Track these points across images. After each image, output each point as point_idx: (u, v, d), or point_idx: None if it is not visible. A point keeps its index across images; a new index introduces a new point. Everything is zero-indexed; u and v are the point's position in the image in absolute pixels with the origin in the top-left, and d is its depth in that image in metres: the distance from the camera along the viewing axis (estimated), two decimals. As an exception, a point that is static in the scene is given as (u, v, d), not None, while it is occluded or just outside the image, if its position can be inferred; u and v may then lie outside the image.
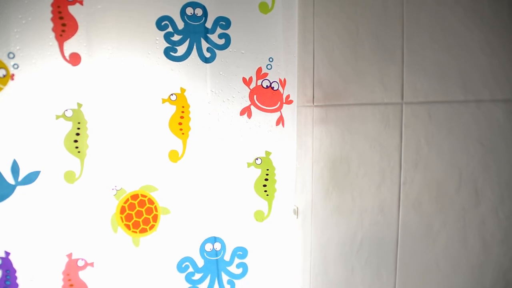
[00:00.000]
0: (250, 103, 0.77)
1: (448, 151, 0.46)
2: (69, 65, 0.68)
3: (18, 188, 0.67)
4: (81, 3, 0.67)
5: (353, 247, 0.62)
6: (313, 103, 0.74)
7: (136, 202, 0.73)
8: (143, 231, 0.74)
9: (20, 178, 0.67)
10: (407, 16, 0.51)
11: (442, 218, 0.46)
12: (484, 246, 0.42)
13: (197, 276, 0.77)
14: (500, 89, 0.40)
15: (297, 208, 0.81)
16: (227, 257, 0.79)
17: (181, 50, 0.73)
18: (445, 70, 0.46)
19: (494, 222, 0.41)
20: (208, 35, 0.73)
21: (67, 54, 0.68)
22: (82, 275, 0.71)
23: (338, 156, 0.65)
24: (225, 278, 0.79)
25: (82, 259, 0.71)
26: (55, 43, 0.67)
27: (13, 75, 0.65)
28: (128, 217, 0.73)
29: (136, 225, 0.73)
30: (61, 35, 0.67)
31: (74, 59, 0.68)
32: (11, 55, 0.65)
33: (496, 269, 0.41)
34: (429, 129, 0.48)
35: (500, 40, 0.40)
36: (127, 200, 0.73)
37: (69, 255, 0.70)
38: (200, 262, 0.77)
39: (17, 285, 0.67)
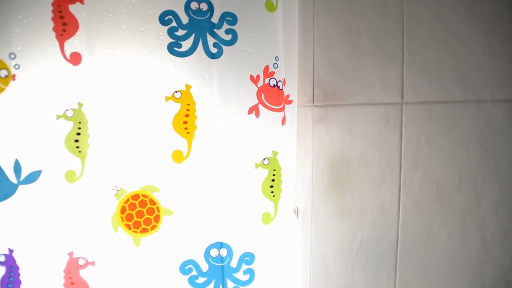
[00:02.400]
0: (258, 101, 0.75)
1: (448, 151, 0.46)
2: (70, 65, 0.68)
3: (20, 187, 0.67)
4: (82, 2, 0.67)
5: (353, 247, 0.62)
6: (313, 103, 0.74)
7: (137, 202, 0.73)
8: (144, 231, 0.73)
9: (22, 178, 0.67)
10: (407, 16, 0.51)
11: (442, 218, 0.46)
12: (484, 246, 0.42)
13: (201, 280, 0.76)
14: (500, 89, 0.40)
15: (297, 208, 0.81)
16: (233, 264, 0.76)
17: (186, 45, 0.70)
18: (445, 70, 0.46)
19: (494, 222, 0.41)
20: (215, 30, 0.71)
21: (68, 54, 0.68)
22: (83, 273, 0.72)
23: (338, 156, 0.65)
24: (230, 285, 0.77)
25: (83, 258, 0.71)
26: (56, 43, 0.67)
27: (14, 75, 0.66)
28: (129, 217, 0.73)
29: (136, 225, 0.73)
30: (61, 35, 0.67)
31: (75, 58, 0.68)
32: (12, 56, 0.65)
33: (496, 269, 0.41)
34: (429, 129, 0.48)
35: (500, 40, 0.40)
36: (127, 200, 0.72)
37: (70, 254, 0.71)
38: (204, 267, 0.76)
39: (20, 282, 0.68)
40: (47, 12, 0.66)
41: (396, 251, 0.53)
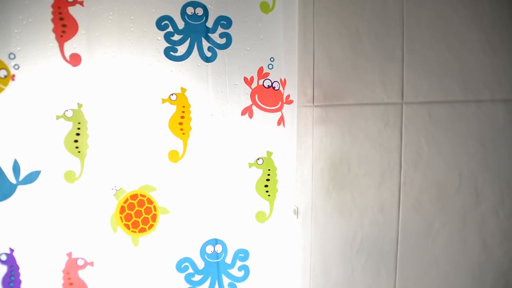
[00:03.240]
0: (251, 103, 0.77)
1: (448, 151, 0.46)
2: (70, 66, 0.68)
3: (19, 187, 0.67)
4: (82, 4, 0.68)
5: (353, 247, 0.61)
6: (313, 103, 0.74)
7: (135, 202, 0.73)
8: (142, 230, 0.74)
9: (21, 178, 0.67)
10: (407, 16, 0.51)
11: (442, 218, 0.46)
12: (484, 246, 0.42)
13: (197, 278, 0.77)
14: (501, 89, 0.40)
15: (297, 208, 0.81)
16: (228, 260, 0.78)
17: (181, 49, 0.73)
18: (445, 70, 0.46)
19: (494, 222, 0.41)
20: (209, 34, 0.73)
21: (67, 55, 0.68)
22: (82, 274, 0.72)
23: (338, 156, 0.65)
24: (226, 281, 0.78)
25: (82, 259, 0.71)
26: (56, 44, 0.67)
27: (14, 75, 0.66)
28: (128, 217, 0.73)
29: (135, 224, 0.73)
30: (61, 36, 0.67)
31: (75, 59, 0.68)
32: (12, 56, 0.65)
33: (496, 269, 0.41)
34: (429, 129, 0.48)
35: (500, 40, 0.40)
36: (127, 200, 0.73)
37: (69, 254, 0.71)
38: (200, 264, 0.77)
39: (20, 281, 0.68)
40: (47, 13, 0.66)
41: (396, 251, 0.53)
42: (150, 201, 0.74)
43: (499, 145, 0.40)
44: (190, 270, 0.76)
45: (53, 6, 0.66)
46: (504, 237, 0.40)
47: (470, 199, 0.43)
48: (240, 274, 0.79)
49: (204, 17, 0.73)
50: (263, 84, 0.78)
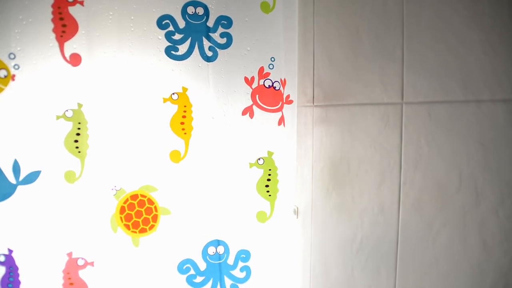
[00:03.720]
0: (252, 102, 0.77)
1: (448, 151, 0.46)
2: (70, 66, 0.68)
3: (19, 187, 0.67)
4: (82, 4, 0.68)
5: (353, 247, 0.62)
6: (313, 103, 0.74)
7: (135, 202, 0.73)
8: (143, 231, 0.74)
9: (21, 178, 0.67)
10: (407, 16, 0.51)
11: (442, 218, 0.46)
12: (484, 246, 0.42)
13: (198, 279, 0.77)
14: (501, 89, 0.40)
15: (297, 208, 0.81)
16: (230, 261, 0.78)
17: (182, 49, 0.72)
18: (445, 70, 0.46)
19: (494, 222, 0.41)
20: (210, 34, 0.73)
21: (67, 55, 0.68)
22: (82, 274, 0.72)
23: (338, 156, 0.65)
24: (228, 282, 0.78)
25: (82, 258, 0.71)
26: (56, 44, 0.67)
27: (14, 75, 0.66)
28: (128, 217, 0.73)
29: (135, 225, 0.73)
30: (61, 36, 0.67)
31: (75, 59, 0.68)
32: (12, 56, 0.65)
33: (496, 269, 0.41)
34: (429, 129, 0.48)
35: (500, 40, 0.40)
36: (127, 200, 0.73)
37: (69, 254, 0.71)
38: (202, 265, 0.77)
39: (19, 282, 0.68)
40: (47, 13, 0.66)
41: (396, 251, 0.53)
42: (150, 202, 0.74)
43: (499, 145, 0.40)
44: (192, 272, 0.76)
45: (53, 6, 0.66)
46: (504, 237, 0.40)
47: (470, 199, 0.43)
48: (242, 275, 0.79)
49: (205, 17, 0.73)
50: (263, 84, 0.77)
